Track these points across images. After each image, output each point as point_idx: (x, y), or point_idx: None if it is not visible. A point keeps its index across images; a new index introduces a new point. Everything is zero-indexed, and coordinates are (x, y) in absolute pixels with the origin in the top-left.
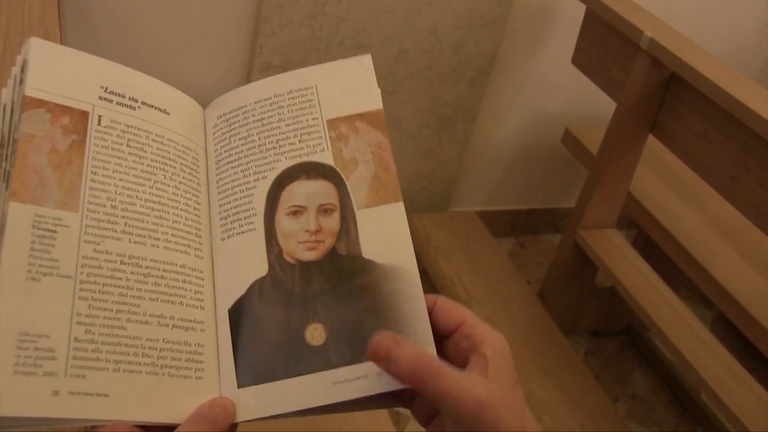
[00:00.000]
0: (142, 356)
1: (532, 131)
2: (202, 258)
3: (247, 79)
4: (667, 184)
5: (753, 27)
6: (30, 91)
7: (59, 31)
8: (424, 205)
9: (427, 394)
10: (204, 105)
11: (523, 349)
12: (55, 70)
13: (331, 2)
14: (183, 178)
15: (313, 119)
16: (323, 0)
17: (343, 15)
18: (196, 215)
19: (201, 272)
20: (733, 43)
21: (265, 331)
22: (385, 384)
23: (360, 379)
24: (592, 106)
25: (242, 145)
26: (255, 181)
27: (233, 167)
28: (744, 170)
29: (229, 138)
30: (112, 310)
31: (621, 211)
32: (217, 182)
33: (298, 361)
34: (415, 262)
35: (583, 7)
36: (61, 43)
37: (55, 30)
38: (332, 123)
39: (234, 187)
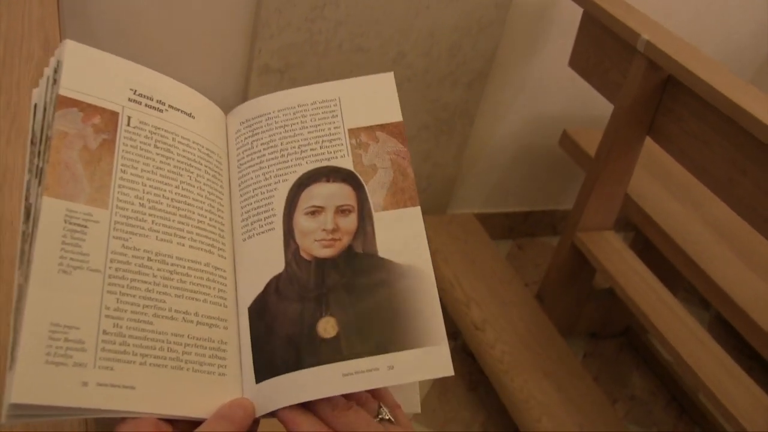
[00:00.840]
0: (168, 351)
1: (530, 133)
2: (225, 257)
3: (246, 82)
4: (665, 186)
5: (749, 29)
6: (64, 91)
7: (59, 34)
8: (423, 207)
9: None
10: None
11: (521, 351)
12: (88, 72)
13: (329, 6)
14: (207, 179)
15: (335, 128)
16: (321, 3)
17: (341, 18)
18: (219, 216)
19: (224, 271)
20: (729, 45)
21: (280, 324)
22: (395, 377)
23: (371, 371)
24: (589, 108)
25: (264, 149)
26: (275, 183)
27: (255, 170)
28: (740, 172)
29: (252, 143)
30: (139, 305)
31: (619, 213)
32: (239, 185)
33: (311, 352)
34: (430, 262)
35: (580, 10)
36: None
37: (55, 34)
38: (353, 132)
39: (255, 189)
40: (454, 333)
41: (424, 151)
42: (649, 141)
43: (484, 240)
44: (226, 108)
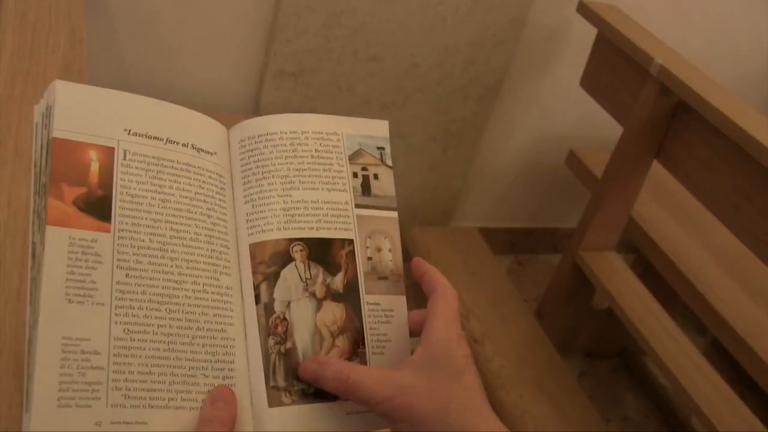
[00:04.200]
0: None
1: (537, 151)
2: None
3: (259, 86)
4: (669, 210)
5: (760, 60)
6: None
7: (84, 26)
8: (426, 218)
9: (348, 396)
10: (214, 107)
11: (518, 366)
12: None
13: (346, 13)
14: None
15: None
16: (339, 11)
17: (358, 26)
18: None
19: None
20: (740, 74)
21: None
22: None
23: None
24: (597, 129)
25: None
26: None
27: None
28: (746, 200)
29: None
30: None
31: (622, 234)
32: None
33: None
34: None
35: (594, 31)
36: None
37: (81, 26)
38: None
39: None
40: None
41: (431, 163)
42: (655, 164)
43: (486, 254)
44: (238, 109)
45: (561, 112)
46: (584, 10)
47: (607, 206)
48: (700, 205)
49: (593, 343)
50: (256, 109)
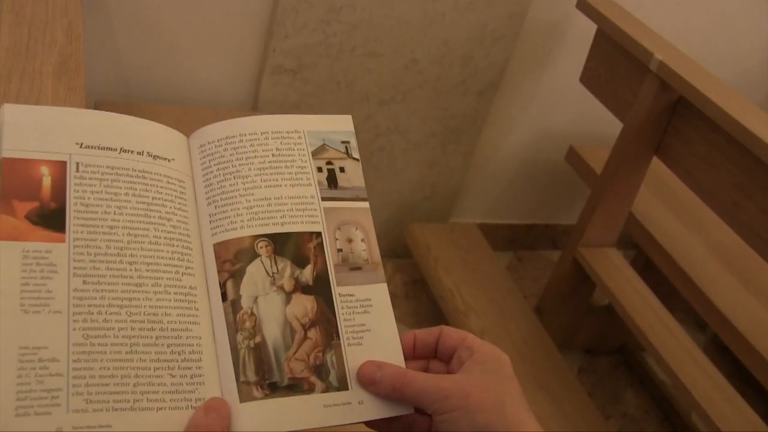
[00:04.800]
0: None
1: (537, 147)
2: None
3: (258, 81)
4: (669, 207)
5: (760, 56)
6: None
7: (81, 21)
8: (426, 214)
9: (409, 400)
10: (212, 103)
11: (517, 363)
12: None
13: (345, 9)
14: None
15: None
16: (338, 6)
17: (356, 22)
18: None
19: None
20: (739, 71)
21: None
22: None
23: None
24: (597, 125)
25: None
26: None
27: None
28: (746, 196)
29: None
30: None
31: (621, 230)
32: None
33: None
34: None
35: (593, 27)
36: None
37: (78, 21)
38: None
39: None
40: None
41: (430, 159)
42: (655, 161)
43: (486, 250)
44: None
45: (560, 108)
46: (584, 6)
47: (606, 202)
48: (700, 201)
49: (593, 340)
50: (255, 105)
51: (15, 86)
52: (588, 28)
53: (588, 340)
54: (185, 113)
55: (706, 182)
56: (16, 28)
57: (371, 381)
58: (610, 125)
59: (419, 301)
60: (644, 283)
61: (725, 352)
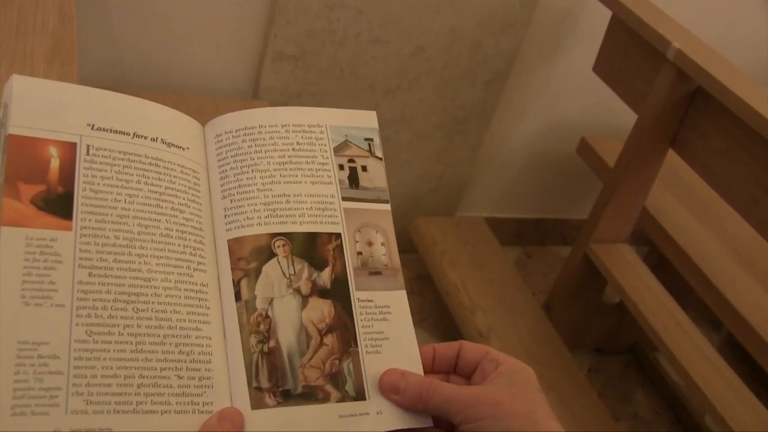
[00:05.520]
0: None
1: (547, 138)
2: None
3: (259, 68)
4: (684, 202)
5: None
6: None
7: (74, 3)
8: (431, 207)
9: (434, 410)
10: (211, 90)
11: (525, 362)
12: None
13: None
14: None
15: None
16: None
17: (361, 7)
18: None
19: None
20: (759, 58)
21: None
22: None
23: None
24: (610, 116)
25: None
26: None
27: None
28: (766, 191)
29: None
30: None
31: (634, 226)
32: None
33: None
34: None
35: (608, 13)
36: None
37: (70, 2)
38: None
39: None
40: (456, 340)
41: (436, 150)
42: (670, 154)
43: (493, 245)
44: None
45: (572, 98)
46: None
47: (619, 196)
48: (716, 196)
49: (603, 339)
50: (255, 92)
51: (4, 70)
52: (602, 15)
53: (598, 338)
54: (182, 101)
55: (724, 177)
56: (4, 9)
57: (395, 389)
58: (624, 116)
59: (424, 297)
60: (657, 280)
61: (740, 351)
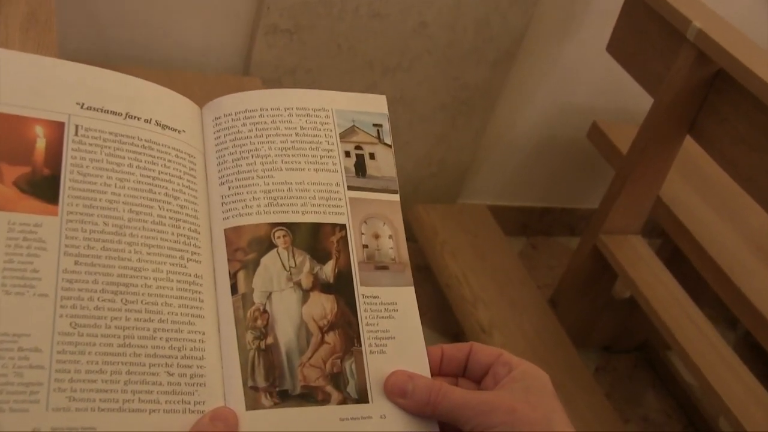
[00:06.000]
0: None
1: (556, 123)
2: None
3: (251, 42)
4: (701, 192)
5: None
6: None
7: None
8: (432, 194)
9: (443, 416)
10: (200, 65)
11: (529, 359)
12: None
13: None
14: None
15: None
16: None
17: None
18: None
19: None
20: None
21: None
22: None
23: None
24: (624, 99)
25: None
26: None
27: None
28: None
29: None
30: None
31: (647, 216)
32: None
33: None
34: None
35: None
36: None
37: None
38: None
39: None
40: (456, 334)
41: (438, 133)
42: (688, 140)
43: (497, 235)
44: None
45: (584, 80)
46: None
47: (632, 185)
48: (736, 186)
49: (612, 336)
50: (247, 68)
51: None
52: None
53: (607, 336)
54: (169, 76)
55: (745, 165)
56: None
57: (401, 393)
58: (639, 100)
59: (423, 289)
60: (671, 274)
61: (758, 351)
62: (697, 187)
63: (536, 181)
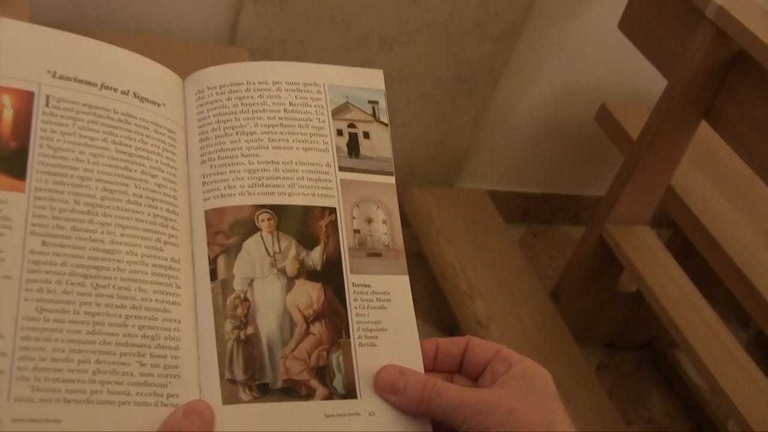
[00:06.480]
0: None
1: (562, 104)
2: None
3: (237, 10)
4: (716, 181)
5: None
6: None
7: None
8: (428, 177)
9: (437, 414)
10: (182, 34)
11: (528, 355)
12: None
13: None
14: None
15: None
16: None
17: None
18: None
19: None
20: None
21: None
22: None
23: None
24: (636, 81)
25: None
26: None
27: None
28: None
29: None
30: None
31: (657, 206)
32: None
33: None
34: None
35: None
36: None
37: None
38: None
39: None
40: (451, 327)
41: (436, 112)
42: (703, 126)
43: (497, 222)
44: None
45: (593, 58)
46: None
47: (642, 172)
48: (753, 175)
49: (616, 332)
50: (233, 38)
51: None
52: None
53: (610, 332)
54: (147, 43)
55: (763, 153)
56: None
57: (392, 389)
58: (652, 81)
59: (416, 278)
60: (680, 268)
61: None
62: (712, 175)
63: (539, 165)
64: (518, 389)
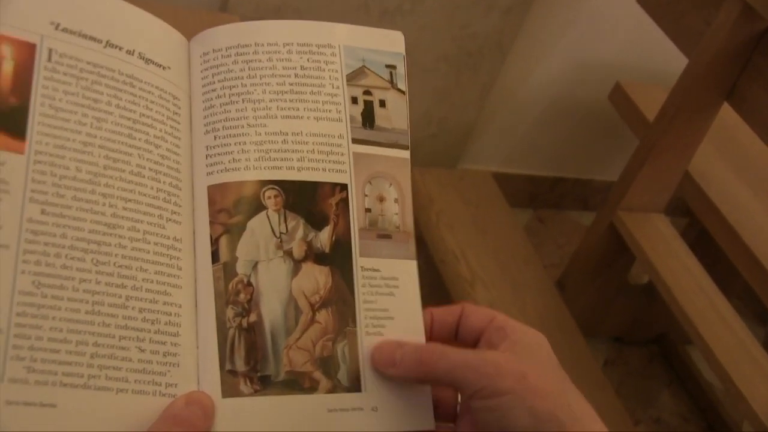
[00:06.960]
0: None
1: (574, 81)
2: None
3: None
4: (737, 168)
5: None
6: None
7: None
8: (430, 156)
9: (441, 378)
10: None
11: None
12: None
13: None
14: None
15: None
16: None
17: None
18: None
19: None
20: None
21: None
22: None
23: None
24: (654, 58)
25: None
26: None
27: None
28: None
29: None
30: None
31: (673, 193)
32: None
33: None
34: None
35: None
36: None
37: None
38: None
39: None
40: None
41: (440, 88)
42: (725, 108)
43: (501, 206)
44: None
45: (608, 34)
46: None
47: (657, 157)
48: None
49: (626, 326)
50: (224, 4)
51: None
52: None
53: (619, 325)
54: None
55: None
56: None
57: (390, 362)
58: (671, 60)
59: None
60: (696, 259)
61: None
62: (732, 162)
63: (548, 146)
64: (523, 355)
